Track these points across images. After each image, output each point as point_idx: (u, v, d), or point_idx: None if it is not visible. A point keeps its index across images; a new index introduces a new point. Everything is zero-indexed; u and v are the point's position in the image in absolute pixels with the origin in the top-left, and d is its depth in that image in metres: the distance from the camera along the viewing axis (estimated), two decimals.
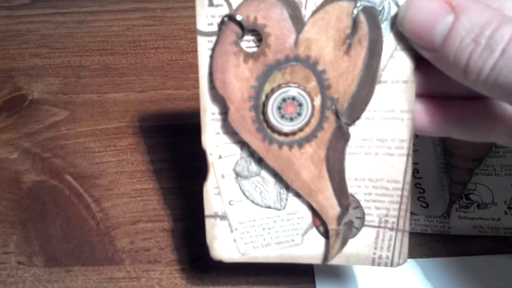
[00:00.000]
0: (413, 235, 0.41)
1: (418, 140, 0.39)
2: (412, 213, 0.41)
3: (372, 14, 0.27)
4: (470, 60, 0.24)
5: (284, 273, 0.40)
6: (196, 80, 0.45)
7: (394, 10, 0.27)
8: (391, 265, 0.31)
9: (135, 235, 0.42)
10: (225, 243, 0.31)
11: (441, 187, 0.41)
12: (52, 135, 0.46)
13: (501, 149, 0.38)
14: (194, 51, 0.50)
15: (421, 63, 0.28)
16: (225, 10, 0.27)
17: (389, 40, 0.27)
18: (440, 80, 0.28)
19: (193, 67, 0.49)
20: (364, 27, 0.27)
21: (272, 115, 0.28)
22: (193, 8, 0.47)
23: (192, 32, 0.51)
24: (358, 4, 0.27)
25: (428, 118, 0.30)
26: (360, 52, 0.27)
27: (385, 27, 0.27)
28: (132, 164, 0.45)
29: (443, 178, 0.41)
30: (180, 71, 0.49)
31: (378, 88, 0.28)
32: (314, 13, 0.27)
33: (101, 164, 0.45)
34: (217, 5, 0.27)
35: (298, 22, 0.27)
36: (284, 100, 0.28)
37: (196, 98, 0.46)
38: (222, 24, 0.27)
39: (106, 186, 0.44)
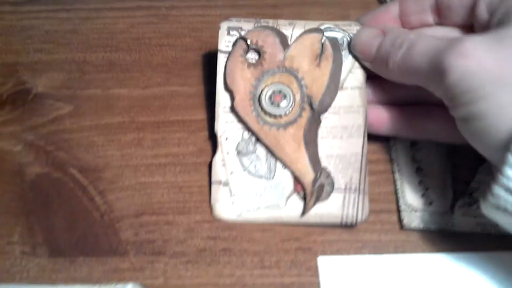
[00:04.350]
0: (418, 231, 0.42)
1: None
2: (415, 210, 0.41)
3: (334, 42, 0.41)
4: (389, 56, 0.38)
5: (289, 267, 0.40)
6: (200, 77, 0.46)
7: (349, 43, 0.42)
8: (356, 221, 0.41)
9: (139, 228, 0.42)
10: (225, 206, 0.42)
11: (445, 184, 0.42)
12: (56, 129, 0.46)
13: None
14: (198, 49, 0.50)
15: (372, 79, 0.42)
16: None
17: (348, 61, 0.42)
18: (387, 91, 0.42)
19: (197, 64, 0.49)
20: (329, 49, 0.41)
21: (265, 102, 0.41)
22: (197, 7, 0.48)
23: (196, 31, 0.52)
24: (325, 35, 0.41)
25: (383, 121, 0.42)
26: (327, 65, 0.41)
27: (345, 53, 0.42)
28: (136, 158, 0.45)
29: (447, 176, 0.42)
30: (184, 69, 0.49)
31: (341, 93, 0.42)
32: (296, 40, 0.42)
33: (105, 157, 0.45)
34: (232, 35, 0.42)
35: (285, 45, 0.42)
36: (274, 92, 0.41)
37: (200, 95, 0.47)
38: (235, 43, 0.42)
39: (110, 179, 0.44)
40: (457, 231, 0.41)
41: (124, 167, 0.45)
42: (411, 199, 0.42)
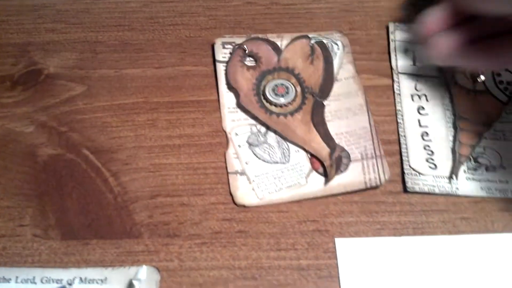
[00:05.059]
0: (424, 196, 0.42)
1: (429, 104, 0.45)
2: (420, 173, 0.42)
3: (322, 44, 0.47)
4: None
5: (306, 249, 0.40)
6: (214, 57, 0.44)
7: (335, 47, 0.48)
8: (380, 183, 0.42)
9: (153, 209, 0.41)
10: (246, 192, 0.42)
11: (450, 149, 0.43)
12: (69, 109, 0.45)
13: (511, 116, 0.44)
14: (213, 28, 0.49)
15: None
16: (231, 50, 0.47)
17: (337, 59, 0.47)
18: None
19: (212, 44, 0.48)
20: (318, 50, 0.47)
21: (270, 94, 0.45)
22: None
23: (210, 9, 0.51)
24: (312, 41, 0.47)
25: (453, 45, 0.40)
26: (319, 63, 0.47)
27: (333, 53, 0.47)
28: (150, 139, 0.44)
29: (452, 140, 0.43)
30: (198, 48, 0.48)
31: (337, 84, 0.46)
32: (286, 46, 0.47)
33: (118, 138, 0.44)
34: (227, 47, 0.47)
35: (277, 52, 0.47)
36: (276, 85, 0.45)
37: (214, 75, 0.45)
38: (233, 51, 0.47)
39: (124, 160, 0.43)
40: (461, 195, 0.42)
41: (138, 149, 0.44)
42: (416, 163, 0.42)
